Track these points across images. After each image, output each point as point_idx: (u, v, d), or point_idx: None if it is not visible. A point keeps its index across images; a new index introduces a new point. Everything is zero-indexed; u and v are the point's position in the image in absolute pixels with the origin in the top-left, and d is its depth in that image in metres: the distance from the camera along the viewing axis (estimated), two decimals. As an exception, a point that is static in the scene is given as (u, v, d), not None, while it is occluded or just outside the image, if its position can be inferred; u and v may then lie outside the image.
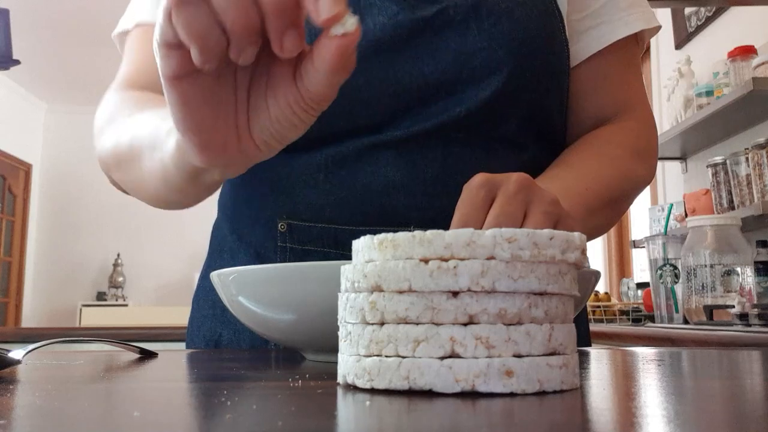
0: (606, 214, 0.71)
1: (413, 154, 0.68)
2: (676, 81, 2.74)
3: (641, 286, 2.85)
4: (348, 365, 0.34)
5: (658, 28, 0.80)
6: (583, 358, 0.51)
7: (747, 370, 0.45)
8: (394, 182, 0.67)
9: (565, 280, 0.33)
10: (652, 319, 2.30)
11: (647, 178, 0.77)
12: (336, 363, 0.36)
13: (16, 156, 6.38)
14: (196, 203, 0.62)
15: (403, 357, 0.32)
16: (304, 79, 0.40)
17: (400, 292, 0.32)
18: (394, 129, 0.68)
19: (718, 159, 2.44)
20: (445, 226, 0.66)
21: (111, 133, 0.67)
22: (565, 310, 0.34)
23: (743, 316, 1.70)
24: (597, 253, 4.15)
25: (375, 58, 0.67)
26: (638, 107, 0.80)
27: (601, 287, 3.81)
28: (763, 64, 2.20)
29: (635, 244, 3.02)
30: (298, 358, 0.54)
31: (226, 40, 0.37)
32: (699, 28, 2.93)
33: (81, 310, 6.11)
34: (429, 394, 0.31)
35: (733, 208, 2.34)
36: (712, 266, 1.93)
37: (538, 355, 0.32)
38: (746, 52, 2.28)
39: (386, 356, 0.32)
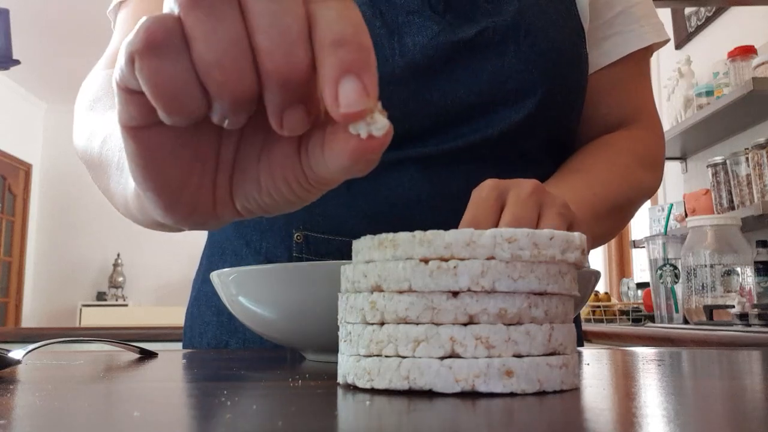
0: (612, 220, 0.71)
1: (439, 170, 0.67)
2: (676, 81, 2.74)
3: (641, 286, 2.85)
4: (348, 365, 0.34)
5: (668, 40, 0.81)
6: (584, 358, 0.51)
7: (747, 370, 0.45)
8: (419, 197, 0.66)
9: (565, 280, 0.33)
10: (652, 319, 2.30)
11: (653, 187, 0.77)
12: (336, 363, 0.36)
13: (16, 156, 6.38)
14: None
15: (403, 357, 0.32)
16: (310, 158, 0.30)
17: (400, 292, 0.32)
18: (422, 146, 0.67)
19: (718, 159, 2.44)
20: None
21: (86, 125, 0.58)
22: (565, 310, 0.34)
23: (743, 316, 1.70)
24: (597, 253, 4.15)
25: (411, 79, 0.66)
26: (647, 116, 0.80)
27: (601, 287, 3.81)
28: (763, 64, 2.20)
29: (635, 244, 3.02)
30: (298, 358, 0.54)
31: (207, 104, 0.28)
32: (699, 28, 2.93)
33: (81, 310, 6.11)
34: (429, 394, 0.31)
35: (733, 208, 2.34)
36: (712, 266, 1.93)
37: (538, 355, 0.32)
38: (746, 52, 2.28)
39: (386, 356, 0.32)
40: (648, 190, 0.76)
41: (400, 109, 0.66)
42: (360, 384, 0.33)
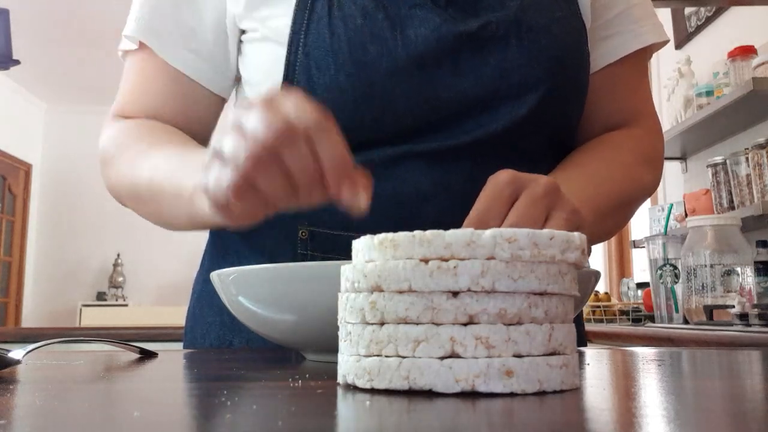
0: (614, 218, 0.71)
1: (444, 166, 0.67)
2: (676, 81, 2.74)
3: (641, 286, 2.85)
4: (348, 365, 0.34)
5: (667, 41, 0.81)
6: (583, 358, 0.51)
7: (747, 370, 0.45)
8: (424, 192, 0.66)
9: (565, 280, 0.33)
10: (652, 319, 2.30)
11: (654, 185, 0.77)
12: (336, 363, 0.36)
13: (16, 156, 6.38)
14: None
15: (403, 357, 0.32)
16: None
17: (400, 292, 0.32)
18: (427, 141, 0.67)
19: (718, 159, 2.44)
20: None
21: (125, 167, 0.70)
22: (565, 310, 0.34)
23: (743, 316, 1.70)
24: (597, 253, 4.15)
25: (414, 71, 0.66)
26: (647, 116, 0.81)
27: (601, 287, 3.81)
28: (763, 64, 2.20)
29: (635, 244, 3.02)
30: (298, 358, 0.54)
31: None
32: (699, 28, 2.93)
33: (81, 310, 6.11)
34: (429, 394, 0.31)
35: (733, 208, 2.34)
36: (712, 266, 1.93)
37: (538, 355, 0.32)
38: (746, 52, 2.28)
39: (386, 356, 0.32)
40: (648, 188, 0.76)
41: (404, 102, 0.66)
42: (360, 384, 0.33)
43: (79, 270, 6.68)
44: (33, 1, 4.73)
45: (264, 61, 0.71)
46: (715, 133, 2.61)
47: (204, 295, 0.77)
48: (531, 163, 0.71)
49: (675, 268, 2.10)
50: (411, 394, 0.31)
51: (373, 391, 0.32)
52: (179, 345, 0.83)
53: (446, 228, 0.71)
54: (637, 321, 2.49)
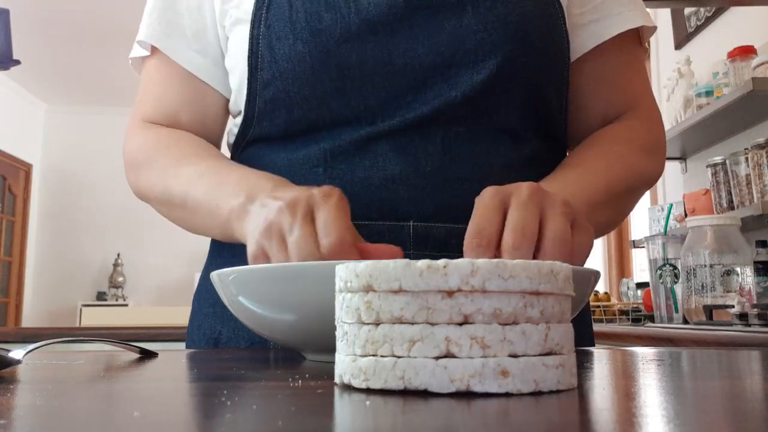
0: (611, 210, 0.72)
1: (412, 146, 0.68)
2: (676, 81, 2.74)
3: (641, 286, 2.85)
4: (344, 365, 0.34)
5: (655, 28, 0.81)
6: (583, 358, 0.51)
7: (747, 370, 0.45)
8: (393, 176, 0.67)
9: (558, 279, 0.33)
10: (651, 319, 2.30)
11: (656, 172, 0.77)
12: (335, 363, 0.36)
13: (16, 156, 6.38)
14: None
15: (399, 357, 0.32)
16: None
17: (395, 292, 0.32)
18: (390, 118, 0.68)
19: (718, 159, 2.44)
20: (446, 222, 0.67)
21: (156, 176, 0.74)
22: (561, 310, 0.34)
23: (743, 316, 1.70)
24: (597, 253, 4.15)
25: (369, 36, 0.68)
26: (644, 103, 0.81)
27: (600, 287, 3.81)
28: (762, 64, 2.20)
29: (635, 244, 3.02)
30: (298, 358, 0.54)
31: None
32: (699, 28, 2.93)
33: (81, 310, 6.11)
34: (424, 394, 0.31)
35: (732, 208, 2.34)
36: (711, 266, 1.93)
37: (534, 355, 0.32)
38: (746, 52, 2.28)
39: (382, 356, 0.32)
40: (649, 176, 0.76)
41: (359, 69, 0.68)
42: (356, 384, 0.33)
43: (79, 270, 6.68)
44: (33, 1, 4.73)
45: (237, 43, 0.74)
46: (715, 133, 2.61)
47: (201, 290, 0.80)
48: (511, 145, 0.71)
49: (675, 268, 2.10)
50: (406, 393, 0.31)
51: (368, 391, 0.32)
52: (179, 345, 0.84)
53: (418, 212, 0.72)
54: (636, 321, 2.50)
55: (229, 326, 0.74)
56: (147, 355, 0.55)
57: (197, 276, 0.89)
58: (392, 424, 0.26)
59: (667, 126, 2.72)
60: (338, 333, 0.36)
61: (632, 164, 0.74)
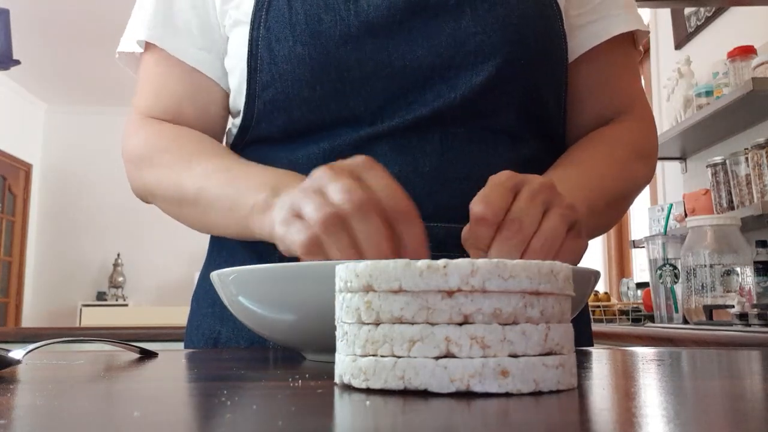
0: (609, 214, 0.73)
1: (410, 147, 0.68)
2: (676, 81, 2.74)
3: (641, 286, 2.85)
4: (344, 365, 0.34)
5: (648, 32, 0.83)
6: (583, 358, 0.51)
7: (747, 370, 0.45)
8: (392, 176, 0.68)
9: (558, 279, 0.33)
10: (651, 319, 2.30)
11: (648, 177, 0.79)
12: (336, 363, 0.36)
13: (16, 156, 6.38)
14: None
15: (399, 357, 0.32)
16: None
17: (395, 292, 0.32)
18: (389, 119, 0.69)
19: (718, 159, 2.44)
20: (445, 222, 0.67)
21: (163, 173, 0.72)
22: (561, 310, 0.34)
23: (743, 316, 1.70)
24: (597, 253, 4.15)
25: (368, 39, 0.68)
26: (639, 107, 0.82)
27: (600, 287, 3.81)
28: (762, 64, 2.20)
29: (635, 244, 3.02)
30: (298, 358, 0.54)
31: None
32: (699, 28, 2.93)
33: (81, 310, 6.11)
34: (424, 394, 0.31)
35: (732, 208, 2.34)
36: (711, 266, 1.93)
37: (534, 355, 0.32)
38: (746, 52, 2.28)
39: (382, 356, 0.32)
40: (643, 181, 0.78)
41: (359, 71, 0.68)
42: (356, 384, 0.33)
43: (79, 270, 6.68)
44: (33, 1, 4.73)
45: (236, 45, 0.74)
46: (715, 133, 2.61)
47: (200, 290, 0.80)
48: (509, 142, 0.71)
49: (675, 268, 2.10)
50: (406, 393, 0.31)
51: (368, 391, 0.32)
52: (179, 345, 0.84)
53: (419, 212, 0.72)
54: (636, 321, 2.50)
55: (229, 326, 0.74)
56: (147, 355, 0.55)
57: (197, 276, 0.88)
58: (392, 424, 0.26)
59: (667, 126, 2.72)
60: (338, 333, 0.36)
61: (630, 170, 0.75)
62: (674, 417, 0.26)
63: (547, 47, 0.73)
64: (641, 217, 3.31)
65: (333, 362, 0.37)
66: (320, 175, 0.52)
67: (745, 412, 0.28)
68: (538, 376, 0.32)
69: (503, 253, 0.51)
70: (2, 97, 6.10)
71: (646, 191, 2.32)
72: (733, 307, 1.78)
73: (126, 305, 6.40)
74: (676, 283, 2.10)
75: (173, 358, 0.56)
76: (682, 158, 3.00)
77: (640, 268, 3.72)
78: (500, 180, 0.54)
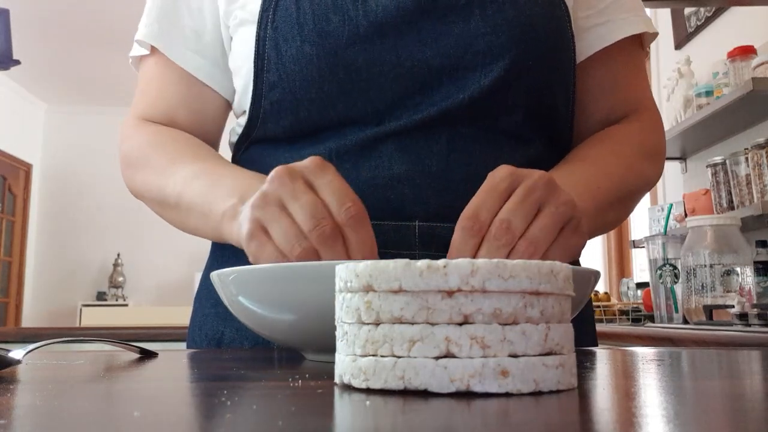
0: (615, 211, 0.73)
1: (417, 147, 0.68)
2: (676, 81, 2.74)
3: (641, 286, 2.85)
4: (344, 365, 0.34)
5: (656, 34, 0.82)
6: (583, 358, 0.51)
7: (747, 370, 0.45)
8: (399, 176, 0.67)
9: (558, 279, 0.33)
10: (651, 319, 2.30)
11: (655, 178, 0.79)
12: (336, 363, 0.36)
13: (16, 156, 6.38)
14: None
15: (399, 357, 0.32)
16: None
17: (395, 292, 0.32)
18: (396, 119, 0.68)
19: (718, 159, 2.44)
20: (451, 222, 0.67)
21: (152, 176, 0.73)
22: (561, 310, 0.34)
23: (743, 316, 1.70)
24: (597, 253, 4.15)
25: (377, 39, 0.68)
26: (647, 109, 0.82)
27: (600, 287, 3.81)
28: (762, 64, 2.20)
29: (635, 244, 3.02)
30: (298, 358, 0.54)
31: None
32: (699, 28, 2.93)
33: (81, 310, 6.11)
34: (424, 394, 0.31)
35: (732, 208, 2.34)
36: (711, 266, 1.93)
37: (534, 355, 0.32)
38: (746, 52, 2.28)
39: (382, 356, 0.32)
40: (650, 181, 0.78)
41: (368, 71, 0.68)
42: (356, 384, 0.33)
43: (79, 270, 6.68)
44: (33, 1, 4.73)
45: (242, 44, 0.74)
46: (715, 133, 2.61)
47: (202, 289, 0.80)
48: (517, 146, 0.71)
49: (675, 268, 2.10)
50: (406, 393, 0.31)
51: (368, 391, 0.32)
52: (179, 345, 0.84)
53: (423, 212, 0.72)
54: (636, 321, 2.50)
55: (232, 327, 0.74)
56: (147, 355, 0.55)
57: (197, 276, 0.88)
58: (392, 424, 0.26)
59: (667, 126, 2.72)
60: (338, 333, 0.36)
61: (637, 168, 0.75)
62: (674, 417, 0.26)
63: (555, 48, 0.73)
64: (641, 217, 3.31)
65: (333, 362, 0.37)
66: (278, 181, 0.53)
67: (745, 412, 0.28)
68: (538, 376, 0.32)
69: (489, 255, 0.51)
70: (2, 97, 6.10)
71: (646, 191, 2.31)
72: (733, 307, 1.78)
73: (126, 305, 6.40)
74: (676, 283, 2.10)
75: (173, 358, 0.56)
76: (682, 158, 3.00)
77: (640, 268, 3.72)
78: (495, 182, 0.54)
